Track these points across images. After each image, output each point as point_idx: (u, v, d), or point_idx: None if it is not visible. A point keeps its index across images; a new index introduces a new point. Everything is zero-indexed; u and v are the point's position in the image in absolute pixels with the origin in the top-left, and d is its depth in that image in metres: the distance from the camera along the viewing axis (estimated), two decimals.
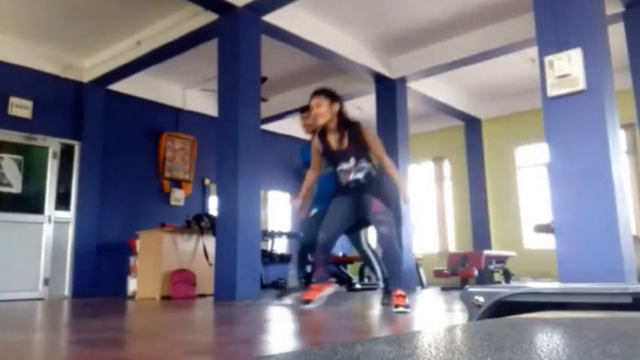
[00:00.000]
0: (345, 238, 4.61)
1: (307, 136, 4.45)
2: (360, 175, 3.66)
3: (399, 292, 3.49)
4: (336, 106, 3.71)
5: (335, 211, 3.71)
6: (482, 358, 0.55)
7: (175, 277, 5.99)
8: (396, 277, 3.60)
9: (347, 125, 3.68)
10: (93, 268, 6.92)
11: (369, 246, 4.52)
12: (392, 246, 3.56)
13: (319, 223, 3.86)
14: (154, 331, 2.75)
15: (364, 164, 3.68)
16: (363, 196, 3.62)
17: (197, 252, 6.39)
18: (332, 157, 3.73)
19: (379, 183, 3.69)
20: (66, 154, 6.99)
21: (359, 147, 3.68)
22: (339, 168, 3.70)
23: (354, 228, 4.05)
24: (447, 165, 10.00)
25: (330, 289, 3.82)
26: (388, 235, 3.53)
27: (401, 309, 3.39)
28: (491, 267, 7.23)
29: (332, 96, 3.72)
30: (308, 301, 3.63)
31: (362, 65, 6.96)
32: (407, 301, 3.44)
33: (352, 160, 3.67)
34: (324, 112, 3.66)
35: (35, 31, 6.36)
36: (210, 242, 6.20)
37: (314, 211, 4.27)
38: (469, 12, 6.17)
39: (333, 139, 3.70)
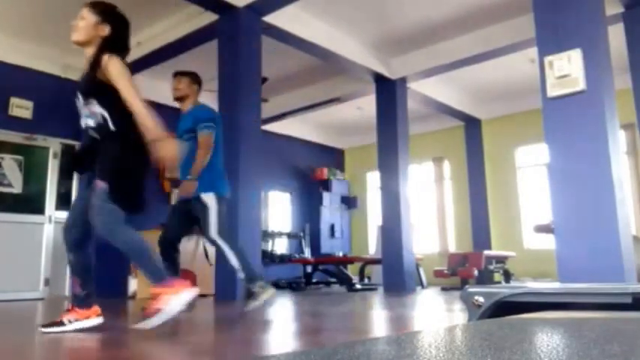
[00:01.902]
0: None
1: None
2: (91, 123, 2.68)
3: (155, 289, 2.53)
4: (103, 28, 2.75)
5: (79, 184, 2.85)
6: (482, 358, 0.55)
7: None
8: (144, 270, 2.64)
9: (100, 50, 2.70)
10: (93, 268, 6.91)
11: (220, 234, 3.73)
12: (111, 237, 2.60)
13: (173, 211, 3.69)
14: (154, 331, 2.75)
15: (96, 108, 2.65)
16: (94, 158, 2.67)
17: (197, 252, 6.39)
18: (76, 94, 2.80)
19: (113, 146, 2.61)
20: (66, 155, 6.99)
21: (94, 78, 2.66)
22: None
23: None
24: (447, 165, 10.00)
25: (86, 319, 2.66)
26: (97, 227, 2.60)
27: (145, 322, 2.42)
28: (491, 267, 7.24)
29: (102, 12, 2.79)
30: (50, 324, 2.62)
31: (362, 66, 6.96)
32: (164, 304, 2.42)
33: (81, 97, 2.74)
34: (81, 26, 2.77)
35: (35, 31, 6.36)
36: None
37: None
38: (469, 12, 6.17)
39: (86, 60, 2.81)
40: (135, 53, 6.52)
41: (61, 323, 2.57)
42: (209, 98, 8.23)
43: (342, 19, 6.30)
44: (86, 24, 2.72)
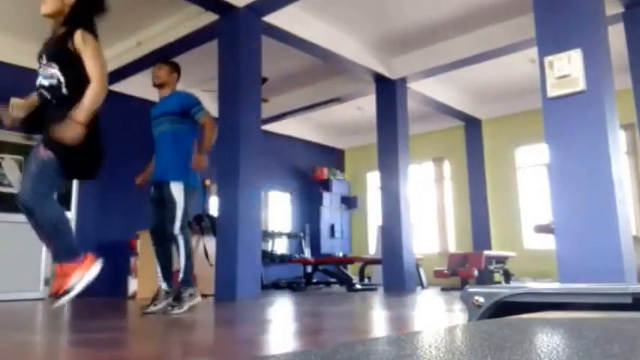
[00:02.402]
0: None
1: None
2: (45, 82, 2.73)
3: (65, 266, 2.58)
4: None
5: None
6: (482, 359, 0.55)
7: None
8: (58, 245, 2.65)
9: (71, 21, 2.77)
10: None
11: (182, 230, 3.70)
12: (35, 207, 2.64)
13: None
14: (154, 331, 2.75)
15: (55, 71, 2.70)
16: (44, 122, 2.67)
17: (198, 252, 6.39)
18: (38, 57, 2.83)
19: (61, 105, 2.66)
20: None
21: (64, 48, 2.71)
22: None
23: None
24: (447, 165, 10.00)
25: (90, 269, 2.66)
26: (23, 196, 2.69)
27: (60, 301, 2.48)
28: (491, 267, 7.24)
29: None
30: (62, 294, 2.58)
31: (362, 66, 6.97)
32: (71, 281, 2.50)
33: (44, 58, 2.76)
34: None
35: (35, 31, 6.34)
36: (210, 242, 6.20)
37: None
38: (469, 12, 6.17)
39: (56, 30, 2.83)
40: (135, 53, 6.53)
41: (69, 290, 2.54)
42: (209, 98, 8.24)
43: (342, 19, 6.30)
44: None
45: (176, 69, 4.11)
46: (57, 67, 2.71)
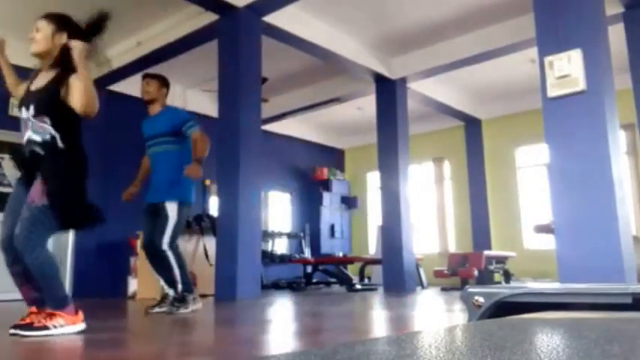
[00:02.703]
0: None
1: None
2: (38, 138, 2.58)
3: (48, 310, 2.55)
4: (60, 36, 2.71)
5: (13, 191, 2.73)
6: (483, 359, 0.55)
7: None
8: (48, 292, 2.58)
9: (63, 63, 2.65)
10: (93, 268, 6.92)
11: (171, 246, 3.73)
12: (25, 252, 2.52)
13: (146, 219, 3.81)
14: (154, 331, 2.75)
15: (47, 126, 2.57)
16: (34, 175, 2.58)
17: (197, 252, 6.40)
18: (21, 101, 2.73)
19: (59, 161, 2.57)
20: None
21: (53, 95, 2.58)
22: (20, 114, 2.71)
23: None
24: (447, 165, 10.00)
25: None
26: (19, 238, 2.50)
27: (26, 331, 2.43)
28: (492, 267, 7.24)
29: (58, 21, 2.77)
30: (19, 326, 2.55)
31: (362, 66, 6.97)
32: (54, 321, 2.47)
33: (31, 108, 2.60)
34: (39, 38, 2.68)
35: None
36: (210, 242, 6.20)
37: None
38: (469, 12, 6.17)
39: (42, 73, 2.70)
40: (135, 53, 6.53)
41: (30, 326, 2.50)
42: (209, 98, 8.24)
43: (342, 19, 6.30)
44: (44, 35, 2.68)
45: (165, 83, 4.15)
46: (49, 122, 2.57)
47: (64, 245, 6.87)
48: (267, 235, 9.01)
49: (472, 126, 9.46)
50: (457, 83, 8.24)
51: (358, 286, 7.35)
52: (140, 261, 6.32)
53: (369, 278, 8.73)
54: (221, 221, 5.29)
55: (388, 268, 7.16)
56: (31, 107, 2.60)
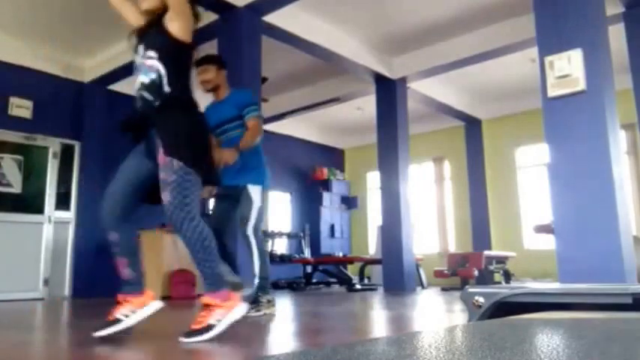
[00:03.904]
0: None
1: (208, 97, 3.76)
2: (146, 79, 2.32)
3: (206, 299, 2.21)
4: None
5: (125, 162, 2.43)
6: (483, 359, 0.55)
7: (175, 278, 5.99)
8: (202, 273, 2.23)
9: None
10: (93, 268, 6.91)
11: (255, 232, 3.42)
12: (180, 223, 2.19)
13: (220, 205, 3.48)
14: (154, 331, 2.75)
15: (155, 61, 2.31)
16: (152, 132, 2.31)
17: None
18: (134, 44, 2.47)
19: (169, 107, 2.28)
20: (66, 154, 7.00)
21: (157, 27, 2.36)
22: (134, 65, 2.44)
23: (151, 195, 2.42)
24: (447, 165, 10.00)
25: (144, 306, 2.34)
26: (170, 207, 2.21)
27: (185, 339, 2.13)
28: (492, 267, 7.24)
29: None
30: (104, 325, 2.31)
31: (362, 65, 6.96)
32: (210, 318, 2.16)
33: (141, 49, 2.38)
34: None
35: (36, 31, 6.36)
36: None
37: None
38: (469, 12, 6.17)
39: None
40: None
41: (117, 321, 2.28)
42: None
43: (342, 19, 6.30)
44: None
45: (223, 64, 3.72)
46: (156, 53, 2.32)
47: (63, 245, 6.87)
48: (267, 235, 9.01)
49: (472, 126, 9.46)
50: (457, 83, 8.24)
51: (358, 286, 7.35)
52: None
53: (369, 278, 8.73)
54: None
55: (388, 268, 7.16)
56: (141, 48, 2.38)
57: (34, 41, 6.60)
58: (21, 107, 6.55)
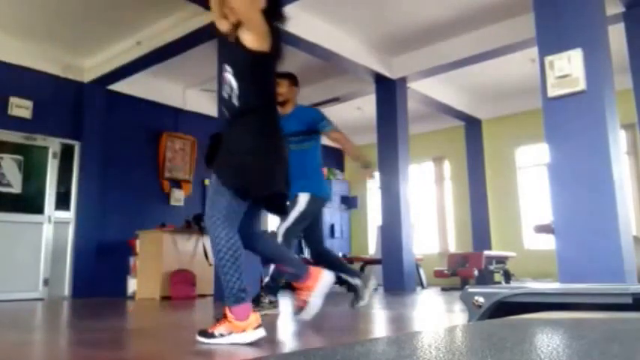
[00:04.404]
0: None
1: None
2: (224, 94, 2.36)
3: (225, 309, 2.21)
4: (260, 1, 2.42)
5: None
6: (483, 359, 0.55)
7: (175, 278, 5.99)
8: (223, 284, 2.22)
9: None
10: (93, 268, 6.92)
11: (285, 236, 3.54)
12: (210, 232, 2.25)
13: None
14: (154, 331, 2.75)
15: (229, 76, 2.33)
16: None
17: (197, 252, 6.40)
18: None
19: (237, 124, 2.31)
20: (66, 154, 7.00)
21: (233, 39, 2.33)
22: None
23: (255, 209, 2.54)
24: (447, 165, 10.00)
25: (318, 283, 2.62)
26: (205, 217, 2.30)
27: (198, 337, 2.20)
28: (492, 267, 7.23)
29: None
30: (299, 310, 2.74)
31: (362, 65, 6.96)
32: (220, 329, 2.18)
33: (226, 66, 2.39)
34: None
35: (35, 31, 6.36)
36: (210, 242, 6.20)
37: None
38: (469, 12, 6.16)
39: None
40: (135, 52, 6.53)
41: (306, 303, 2.61)
42: (209, 98, 8.24)
43: (342, 19, 6.30)
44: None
45: (295, 82, 3.95)
46: (230, 68, 2.33)
47: (63, 245, 6.87)
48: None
49: (472, 126, 9.46)
50: (457, 83, 8.24)
51: None
52: (140, 261, 6.32)
53: None
54: None
55: (388, 268, 7.16)
56: (226, 65, 2.37)
57: (33, 41, 6.60)
58: (21, 107, 6.55)
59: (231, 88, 2.30)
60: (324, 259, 3.76)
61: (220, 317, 2.23)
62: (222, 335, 2.17)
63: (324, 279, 2.60)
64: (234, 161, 2.25)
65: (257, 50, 2.29)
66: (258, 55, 2.30)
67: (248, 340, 2.15)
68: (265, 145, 2.31)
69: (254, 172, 2.25)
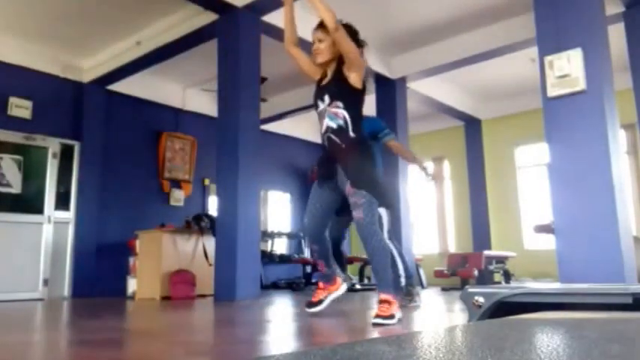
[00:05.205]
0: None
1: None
2: (333, 124, 2.89)
3: (383, 296, 2.77)
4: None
5: (314, 190, 3.08)
6: (483, 359, 0.55)
7: (175, 278, 5.99)
8: (380, 276, 2.83)
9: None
10: (93, 269, 6.92)
11: (389, 237, 3.91)
12: (370, 236, 2.77)
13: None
14: (154, 331, 2.75)
15: (340, 109, 2.87)
16: (336, 165, 2.94)
17: (197, 252, 6.39)
18: (316, 93, 3.06)
19: (354, 148, 2.87)
20: (66, 154, 6.99)
21: (338, 77, 2.91)
22: (318, 109, 3.02)
23: (342, 210, 3.15)
24: (447, 165, 10.00)
25: (336, 290, 3.25)
26: (363, 223, 2.78)
27: (378, 320, 2.66)
28: (492, 267, 7.23)
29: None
30: (313, 304, 3.27)
31: None
32: (392, 310, 2.71)
33: (327, 98, 2.93)
34: (323, 47, 3.00)
35: (35, 31, 6.36)
36: (209, 242, 6.20)
37: None
38: (469, 12, 6.16)
39: (330, 69, 3.03)
40: (135, 52, 6.53)
41: (320, 302, 3.21)
42: (209, 98, 8.24)
43: (343, 19, 6.28)
44: (327, 44, 2.97)
45: None
46: (341, 102, 2.88)
47: (63, 245, 6.87)
48: (267, 235, 9.01)
49: (472, 126, 9.46)
50: (457, 83, 8.23)
51: (358, 286, 7.34)
52: (139, 261, 6.32)
53: (368, 278, 8.72)
54: (220, 221, 5.29)
55: None
56: (326, 97, 2.93)
57: (33, 41, 6.60)
58: (20, 107, 6.55)
59: (346, 121, 2.87)
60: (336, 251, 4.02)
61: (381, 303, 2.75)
62: (395, 314, 2.72)
63: (341, 288, 3.23)
64: (374, 181, 2.89)
65: (359, 88, 2.90)
66: (360, 92, 2.92)
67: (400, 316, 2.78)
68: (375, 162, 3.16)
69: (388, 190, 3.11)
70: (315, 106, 3.04)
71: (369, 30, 6.72)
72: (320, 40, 2.98)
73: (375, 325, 2.62)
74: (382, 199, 3.06)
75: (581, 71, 3.66)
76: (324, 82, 3.00)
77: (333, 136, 2.91)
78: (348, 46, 2.80)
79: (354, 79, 2.87)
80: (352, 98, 2.89)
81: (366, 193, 2.77)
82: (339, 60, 2.92)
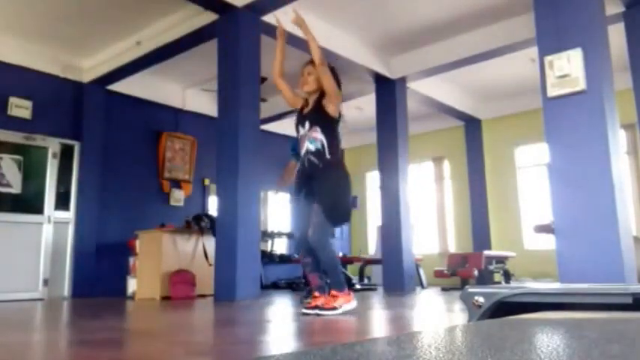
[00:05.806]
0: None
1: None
2: (312, 147, 3.38)
3: (333, 292, 3.33)
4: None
5: (294, 207, 3.56)
6: (483, 359, 0.55)
7: (175, 278, 5.99)
8: (331, 277, 3.38)
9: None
10: (92, 269, 6.92)
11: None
12: (319, 250, 3.28)
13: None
14: (154, 331, 2.75)
15: (318, 134, 3.38)
16: (312, 182, 3.38)
17: (197, 252, 6.39)
18: (297, 120, 3.58)
19: (330, 169, 3.36)
20: (66, 154, 6.99)
21: (318, 107, 3.46)
22: (299, 133, 3.53)
23: None
24: (447, 165, 9.99)
25: (349, 302, 3.40)
26: (313, 239, 3.27)
27: (315, 311, 3.22)
28: (492, 267, 7.23)
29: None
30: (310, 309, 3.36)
31: (362, 65, 6.96)
32: (336, 303, 3.25)
33: (307, 124, 3.45)
34: (312, 80, 3.61)
35: (35, 31, 6.36)
36: (209, 242, 6.19)
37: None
38: (469, 12, 6.16)
39: (311, 99, 3.58)
40: (135, 52, 6.53)
41: (316, 307, 3.34)
42: (209, 98, 8.24)
43: (342, 19, 6.29)
44: (314, 77, 3.57)
45: None
46: (320, 129, 3.37)
47: (63, 246, 6.87)
48: (267, 235, 9.01)
49: (472, 126, 9.46)
50: (457, 83, 8.23)
51: (358, 286, 7.35)
52: (139, 261, 6.32)
53: (368, 278, 8.72)
54: (220, 221, 5.29)
55: (388, 268, 7.16)
56: (307, 124, 3.43)
57: (33, 41, 6.60)
58: (20, 107, 6.55)
59: (323, 145, 3.34)
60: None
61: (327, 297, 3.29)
62: (343, 306, 3.25)
63: (353, 304, 3.43)
64: (344, 202, 3.38)
65: (335, 117, 3.42)
66: (336, 120, 3.42)
67: (354, 307, 3.36)
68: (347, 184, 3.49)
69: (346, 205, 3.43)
70: (296, 131, 3.53)
71: (369, 30, 6.75)
72: (309, 73, 3.60)
73: (307, 313, 3.22)
74: (335, 221, 3.40)
75: (581, 71, 3.66)
76: (306, 110, 3.52)
77: (312, 157, 3.35)
78: (328, 80, 3.38)
79: (332, 109, 3.41)
80: (329, 125, 3.39)
81: (324, 216, 3.24)
82: (321, 93, 3.46)
